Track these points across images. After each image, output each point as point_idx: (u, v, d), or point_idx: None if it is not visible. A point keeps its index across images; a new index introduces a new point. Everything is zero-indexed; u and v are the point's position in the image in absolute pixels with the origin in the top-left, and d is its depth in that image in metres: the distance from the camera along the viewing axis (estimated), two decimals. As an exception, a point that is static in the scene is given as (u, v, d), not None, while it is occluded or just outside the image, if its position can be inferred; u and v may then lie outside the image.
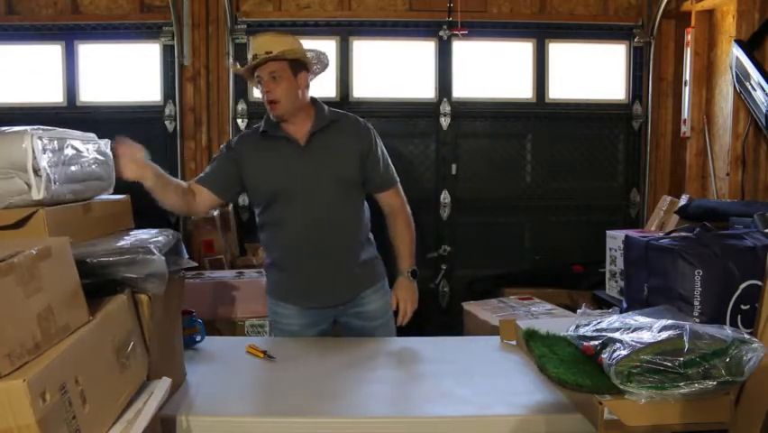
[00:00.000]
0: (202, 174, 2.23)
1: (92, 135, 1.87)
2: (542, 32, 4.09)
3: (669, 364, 1.33)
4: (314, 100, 2.23)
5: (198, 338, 2.13)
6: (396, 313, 2.26)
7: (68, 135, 1.69)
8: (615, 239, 3.43)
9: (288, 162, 2.15)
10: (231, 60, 2.24)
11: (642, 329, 1.46)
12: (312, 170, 2.14)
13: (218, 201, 2.22)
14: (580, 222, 4.17)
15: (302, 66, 2.15)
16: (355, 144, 2.20)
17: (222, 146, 2.31)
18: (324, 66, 2.26)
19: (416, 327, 2.31)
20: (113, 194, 1.95)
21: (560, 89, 4.14)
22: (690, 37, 3.86)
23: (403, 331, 2.31)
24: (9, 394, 0.98)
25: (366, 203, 2.32)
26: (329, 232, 2.16)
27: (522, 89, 4.13)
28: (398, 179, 2.32)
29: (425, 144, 4.09)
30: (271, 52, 2.07)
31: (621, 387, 1.35)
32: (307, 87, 2.19)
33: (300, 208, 2.14)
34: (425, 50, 4.09)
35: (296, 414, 1.61)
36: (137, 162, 1.91)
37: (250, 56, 2.14)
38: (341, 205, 2.19)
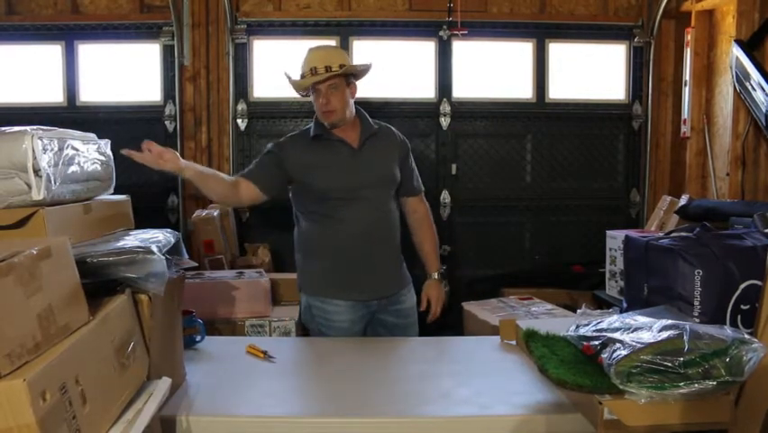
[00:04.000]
0: (248, 169, 2.33)
1: (92, 135, 1.88)
2: (542, 32, 4.09)
3: (669, 364, 1.34)
4: (357, 109, 2.38)
5: (198, 338, 2.13)
6: (424, 312, 2.44)
7: (68, 135, 1.69)
8: (615, 239, 3.43)
9: (346, 163, 2.30)
10: (286, 73, 2.36)
11: (642, 329, 1.46)
12: (367, 171, 2.31)
13: (261, 196, 2.29)
14: (580, 222, 4.17)
15: (352, 76, 2.32)
16: (395, 150, 2.41)
17: (270, 145, 2.38)
18: (367, 73, 2.40)
19: (439, 326, 2.49)
20: (113, 194, 1.96)
21: (560, 89, 4.13)
22: (689, 37, 3.86)
23: (427, 329, 2.48)
24: (9, 394, 0.98)
25: None
26: (380, 228, 2.33)
27: (522, 89, 4.13)
28: (423, 189, 2.50)
29: (425, 144, 4.08)
30: (330, 67, 2.23)
31: (621, 387, 1.35)
32: (355, 95, 2.34)
33: (357, 206, 2.28)
34: (425, 50, 4.08)
35: (295, 414, 1.61)
36: (172, 157, 2.01)
37: (306, 68, 2.26)
38: (387, 205, 2.37)
